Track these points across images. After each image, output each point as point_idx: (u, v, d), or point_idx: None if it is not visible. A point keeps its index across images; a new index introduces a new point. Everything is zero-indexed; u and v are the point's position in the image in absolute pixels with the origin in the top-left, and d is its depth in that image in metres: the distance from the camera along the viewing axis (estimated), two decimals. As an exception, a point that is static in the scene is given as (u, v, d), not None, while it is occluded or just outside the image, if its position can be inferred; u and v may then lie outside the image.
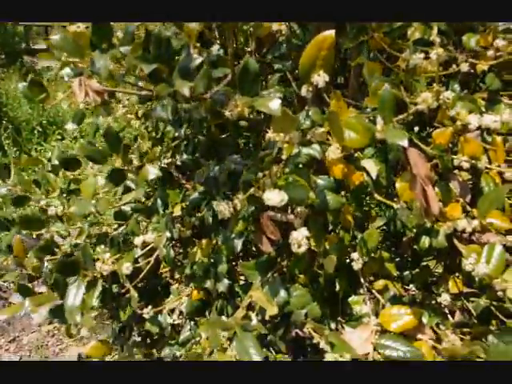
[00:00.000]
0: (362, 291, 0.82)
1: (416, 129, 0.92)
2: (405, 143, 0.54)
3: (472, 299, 0.86)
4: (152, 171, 0.81)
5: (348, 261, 0.81)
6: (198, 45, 0.75)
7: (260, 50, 0.94)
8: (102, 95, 0.77)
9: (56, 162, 0.91)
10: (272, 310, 0.71)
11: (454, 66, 0.69)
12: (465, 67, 0.67)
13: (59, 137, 4.31)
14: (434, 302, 0.87)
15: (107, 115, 1.00)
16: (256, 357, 0.62)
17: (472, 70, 0.83)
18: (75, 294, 0.81)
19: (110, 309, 1.00)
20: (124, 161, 0.78)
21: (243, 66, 0.61)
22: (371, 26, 0.77)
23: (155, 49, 0.64)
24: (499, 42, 0.68)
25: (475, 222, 0.63)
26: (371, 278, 0.89)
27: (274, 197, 0.60)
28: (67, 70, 0.77)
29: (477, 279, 0.72)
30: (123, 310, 0.99)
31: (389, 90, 0.59)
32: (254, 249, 1.00)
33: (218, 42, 0.83)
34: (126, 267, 0.87)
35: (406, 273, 0.89)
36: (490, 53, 0.69)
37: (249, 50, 0.96)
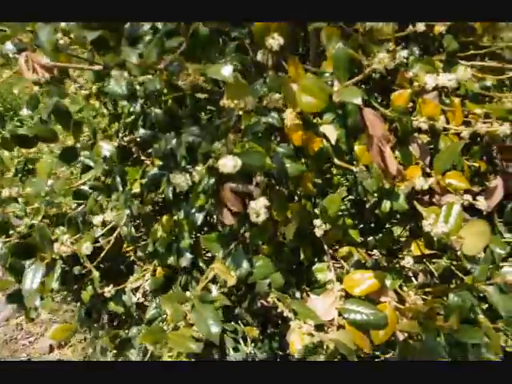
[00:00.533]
0: (326, 259, 0.82)
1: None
2: (359, 101, 0.53)
3: (434, 260, 0.88)
4: (106, 147, 0.78)
5: (312, 229, 0.80)
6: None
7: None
8: (51, 71, 0.73)
9: (7, 135, 0.86)
10: (231, 281, 0.71)
11: (411, 26, 0.68)
12: (421, 27, 0.66)
13: (18, 123, 4.13)
14: (397, 265, 0.88)
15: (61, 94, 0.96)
16: (214, 327, 0.62)
17: (431, 34, 0.83)
18: (32, 278, 0.78)
19: (72, 291, 0.97)
20: (76, 138, 0.75)
21: (193, 32, 0.58)
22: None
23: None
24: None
25: (431, 180, 0.63)
26: (336, 246, 0.89)
27: (227, 163, 0.59)
28: (9, 46, 0.72)
29: (435, 239, 0.73)
30: (87, 291, 0.96)
31: (342, 49, 0.58)
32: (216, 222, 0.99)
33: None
34: (86, 247, 0.85)
35: (370, 238, 0.90)
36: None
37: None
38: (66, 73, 0.86)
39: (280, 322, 1.13)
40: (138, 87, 0.81)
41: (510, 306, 0.73)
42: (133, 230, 0.88)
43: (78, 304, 1.00)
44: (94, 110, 1.14)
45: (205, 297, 0.72)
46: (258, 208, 0.66)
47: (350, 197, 1.00)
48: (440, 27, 0.75)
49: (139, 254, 0.98)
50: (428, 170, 0.76)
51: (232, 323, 1.00)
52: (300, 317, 0.75)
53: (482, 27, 0.75)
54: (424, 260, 0.90)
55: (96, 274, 0.90)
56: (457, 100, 0.77)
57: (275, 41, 0.62)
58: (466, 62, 0.78)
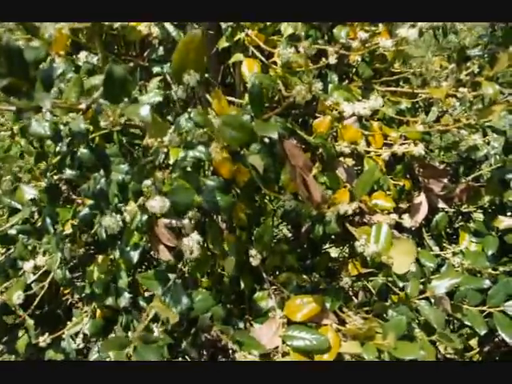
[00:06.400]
0: (266, 286, 0.82)
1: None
2: (274, 135, 0.54)
3: (371, 279, 0.91)
4: (29, 191, 0.75)
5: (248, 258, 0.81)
6: (63, 52, 0.71)
7: (143, 54, 0.92)
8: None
9: None
10: (173, 318, 0.70)
11: (324, 58, 0.71)
12: (333, 59, 0.69)
13: None
14: (337, 286, 0.90)
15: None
16: (158, 368, 0.60)
17: (347, 62, 0.87)
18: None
19: (5, 343, 0.92)
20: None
21: (106, 73, 0.58)
22: (246, 24, 0.78)
23: (5, 62, 0.59)
24: (362, 35, 0.71)
25: (355, 204, 0.65)
26: (276, 272, 0.90)
27: (155, 204, 0.59)
28: None
29: (368, 259, 0.75)
30: (21, 341, 0.91)
31: (256, 85, 0.60)
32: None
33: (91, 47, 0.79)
34: (18, 296, 0.81)
35: (308, 262, 0.91)
36: (355, 44, 0.72)
37: (134, 54, 0.94)
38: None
39: (231, 352, 1.12)
40: (62, 127, 0.79)
41: (440, 318, 0.76)
42: (67, 272, 0.85)
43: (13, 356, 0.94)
44: (20, 148, 1.10)
45: (146, 338, 0.70)
46: (191, 244, 0.66)
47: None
48: (355, 56, 0.80)
49: (77, 296, 0.94)
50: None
51: (179, 359, 0.97)
52: (244, 347, 0.75)
53: (392, 55, 0.80)
54: (362, 278, 0.93)
55: (30, 322, 0.86)
56: (375, 124, 0.81)
57: (192, 77, 0.63)
58: (382, 87, 0.83)
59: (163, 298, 0.75)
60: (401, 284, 0.76)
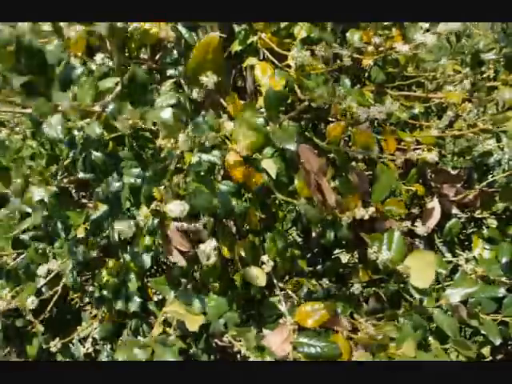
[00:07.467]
0: (276, 292, 0.82)
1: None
2: (292, 147, 0.54)
3: (382, 285, 0.90)
4: (37, 193, 0.75)
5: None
6: (80, 54, 0.71)
7: (155, 57, 0.91)
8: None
9: None
10: (197, 322, 0.69)
11: (339, 61, 0.71)
12: (348, 62, 0.68)
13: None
14: (347, 292, 0.89)
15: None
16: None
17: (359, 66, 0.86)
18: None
19: (15, 346, 0.91)
20: (5, 185, 0.72)
21: (130, 76, 0.58)
22: (258, 27, 0.77)
23: (27, 60, 0.59)
24: (376, 39, 0.71)
25: (372, 209, 0.64)
26: (286, 278, 0.89)
27: (175, 208, 0.59)
28: None
29: (381, 266, 0.74)
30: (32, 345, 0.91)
31: (273, 89, 0.59)
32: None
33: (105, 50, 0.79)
34: (31, 301, 0.80)
35: (319, 267, 0.90)
36: (370, 48, 0.72)
37: (145, 57, 0.93)
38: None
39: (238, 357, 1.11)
40: (76, 132, 0.79)
41: (454, 326, 0.75)
42: (77, 277, 0.85)
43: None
44: (31, 149, 1.10)
45: (165, 341, 0.70)
46: (208, 250, 0.66)
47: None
48: (368, 60, 0.79)
49: (86, 299, 0.94)
50: (367, 197, 0.78)
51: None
52: (257, 353, 0.74)
53: (405, 58, 0.79)
54: (372, 285, 0.92)
55: (40, 328, 0.85)
56: (388, 129, 0.80)
57: (210, 78, 0.63)
58: (394, 91, 0.82)
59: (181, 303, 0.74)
60: (418, 296, 0.74)
